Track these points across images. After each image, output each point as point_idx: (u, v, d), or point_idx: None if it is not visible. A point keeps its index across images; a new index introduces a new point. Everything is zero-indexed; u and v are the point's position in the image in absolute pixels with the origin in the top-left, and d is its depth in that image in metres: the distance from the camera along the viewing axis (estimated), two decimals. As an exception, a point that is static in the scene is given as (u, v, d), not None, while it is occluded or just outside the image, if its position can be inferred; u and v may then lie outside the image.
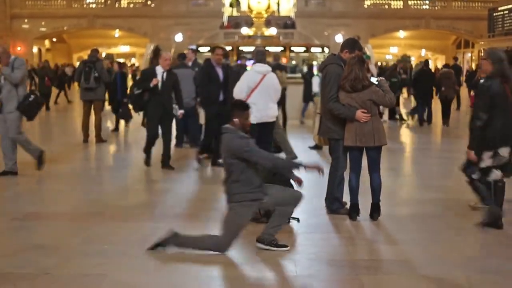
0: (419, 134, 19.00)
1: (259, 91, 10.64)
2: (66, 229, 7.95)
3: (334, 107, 8.17)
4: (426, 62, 23.95)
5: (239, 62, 18.47)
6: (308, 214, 8.47)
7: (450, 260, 6.73)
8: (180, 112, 12.11)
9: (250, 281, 6.18)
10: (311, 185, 10.28)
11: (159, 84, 11.68)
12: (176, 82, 12.05)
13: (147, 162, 12.20)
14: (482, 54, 9.47)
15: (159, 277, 6.17)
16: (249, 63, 19.69)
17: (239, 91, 10.58)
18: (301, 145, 14.73)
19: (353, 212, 8.30)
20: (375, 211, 8.31)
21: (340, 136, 8.26)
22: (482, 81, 8.03)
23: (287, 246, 6.98)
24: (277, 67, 18.10)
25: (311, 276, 6.24)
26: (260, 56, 11.10)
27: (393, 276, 6.28)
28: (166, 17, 56.28)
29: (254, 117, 10.22)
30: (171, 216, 8.60)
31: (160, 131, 11.97)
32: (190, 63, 15.44)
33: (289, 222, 8.06)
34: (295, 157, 12.09)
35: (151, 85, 11.59)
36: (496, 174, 8.01)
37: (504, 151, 7.91)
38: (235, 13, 57.55)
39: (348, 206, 8.46)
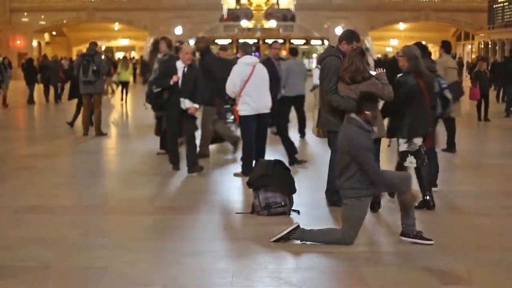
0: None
1: (252, 83, 10.56)
2: (67, 222, 7.96)
3: (333, 99, 8.16)
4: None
5: (238, 55, 18.43)
6: (309, 207, 8.48)
7: (450, 252, 6.73)
8: (194, 106, 10.84)
9: (250, 274, 6.18)
10: (311, 178, 10.30)
11: (179, 81, 10.71)
12: (198, 78, 10.93)
13: (176, 166, 11.17)
14: (399, 52, 9.76)
15: (160, 270, 6.17)
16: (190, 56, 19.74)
17: (232, 85, 10.54)
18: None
19: (353, 204, 8.28)
20: (375, 203, 8.31)
21: (339, 128, 8.24)
22: (398, 76, 8.47)
23: (431, 240, 6.95)
24: (282, 60, 18.32)
25: (312, 268, 6.24)
26: (247, 49, 11.05)
27: (393, 268, 6.28)
28: (166, 10, 56.32)
29: (252, 109, 10.41)
30: (171, 209, 8.61)
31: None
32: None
33: (289, 214, 8.08)
34: (239, 139, 12.22)
35: (171, 82, 10.66)
36: (410, 160, 8.48)
37: (417, 141, 8.44)
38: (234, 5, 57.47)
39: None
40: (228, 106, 11.58)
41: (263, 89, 10.69)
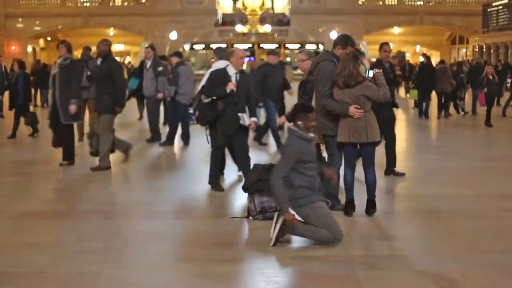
0: (415, 129, 19.03)
1: None
2: (61, 227, 7.94)
3: (327, 103, 8.17)
4: (428, 57, 25.73)
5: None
6: (304, 211, 8.46)
7: (445, 255, 6.73)
8: (252, 120, 9.84)
9: (247, 278, 6.17)
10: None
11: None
12: (250, 86, 10.10)
13: (219, 187, 9.97)
14: (300, 54, 10.20)
15: (154, 275, 6.16)
16: (244, 61, 19.71)
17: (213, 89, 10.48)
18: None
19: (349, 208, 8.30)
20: (370, 207, 8.32)
21: (335, 132, 8.25)
22: (306, 77, 9.04)
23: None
24: (283, 63, 18.72)
25: (307, 272, 6.24)
26: (221, 53, 11.00)
27: (388, 272, 6.28)
28: (161, 15, 56.35)
29: None
30: (167, 214, 8.60)
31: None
32: (149, 62, 15.80)
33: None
34: (130, 146, 12.20)
35: (228, 90, 9.52)
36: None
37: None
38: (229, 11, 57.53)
39: (343, 202, 8.46)
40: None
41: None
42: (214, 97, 9.59)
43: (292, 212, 6.91)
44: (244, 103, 9.78)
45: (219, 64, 10.56)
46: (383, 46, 11.23)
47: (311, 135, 7.15)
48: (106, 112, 11.46)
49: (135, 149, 14.23)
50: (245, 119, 9.70)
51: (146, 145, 15.02)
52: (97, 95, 11.84)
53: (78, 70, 12.14)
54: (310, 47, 39.02)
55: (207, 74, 10.54)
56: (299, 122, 7.02)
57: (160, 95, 15.59)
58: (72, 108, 11.51)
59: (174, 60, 15.51)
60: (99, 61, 11.81)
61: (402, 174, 10.95)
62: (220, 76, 9.69)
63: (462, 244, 7.21)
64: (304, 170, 7.00)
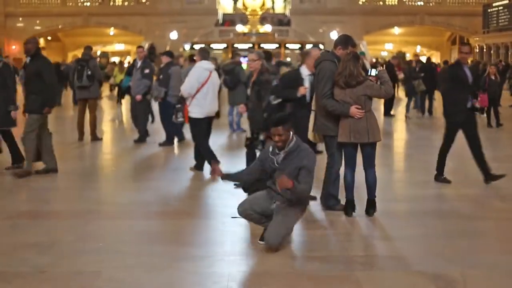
0: (415, 129, 19.02)
1: (207, 87, 10.96)
2: (61, 227, 7.93)
3: (327, 103, 8.17)
4: (428, 58, 27.18)
5: (233, 59, 18.44)
6: (303, 211, 8.46)
7: (445, 256, 6.73)
8: None
9: (246, 278, 6.17)
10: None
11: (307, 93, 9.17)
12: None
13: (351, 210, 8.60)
14: (251, 54, 10.52)
15: (154, 275, 6.16)
16: (243, 60, 19.79)
17: (189, 88, 10.86)
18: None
19: (349, 208, 8.30)
20: (370, 207, 8.32)
21: (335, 132, 8.25)
22: (257, 77, 9.51)
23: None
24: (282, 64, 18.77)
25: (307, 272, 6.23)
26: (205, 54, 11.35)
27: (388, 272, 6.28)
28: (161, 15, 56.36)
29: (204, 112, 10.91)
30: (166, 214, 8.60)
31: None
32: (139, 62, 15.65)
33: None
34: (51, 168, 11.38)
35: (298, 94, 9.08)
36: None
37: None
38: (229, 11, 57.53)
39: (343, 202, 8.45)
40: (179, 105, 11.52)
41: (214, 94, 11.15)
42: (284, 99, 9.24)
43: None
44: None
45: (203, 64, 11.02)
46: (461, 47, 10.60)
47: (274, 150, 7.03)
48: (33, 112, 10.99)
49: (132, 149, 14.23)
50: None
51: (139, 145, 14.94)
52: (26, 95, 11.35)
53: (10, 73, 11.67)
54: (311, 47, 38.98)
55: (191, 72, 11.03)
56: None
57: (138, 97, 15.31)
58: (13, 114, 11.19)
59: (165, 59, 15.35)
60: (28, 59, 11.28)
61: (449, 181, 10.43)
62: (293, 78, 9.35)
63: (462, 245, 7.20)
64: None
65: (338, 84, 8.07)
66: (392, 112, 22.44)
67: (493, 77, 19.69)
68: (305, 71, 9.22)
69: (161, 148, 14.53)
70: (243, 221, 7.65)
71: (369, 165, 8.27)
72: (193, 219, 8.30)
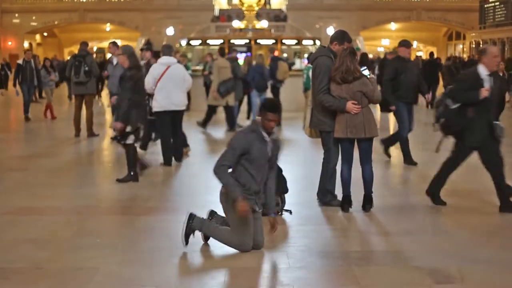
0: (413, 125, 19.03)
1: (162, 81, 11.44)
2: (58, 223, 7.94)
3: (324, 99, 8.18)
4: (431, 54, 27.12)
5: (230, 55, 18.45)
6: (301, 206, 8.49)
7: (442, 251, 6.75)
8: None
9: (243, 274, 6.18)
10: (303, 177, 10.32)
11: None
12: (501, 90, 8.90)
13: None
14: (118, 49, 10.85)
15: (152, 270, 6.17)
16: (240, 56, 19.88)
17: (147, 83, 11.25)
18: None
19: (346, 204, 8.32)
20: (367, 203, 8.34)
21: (331, 128, 8.26)
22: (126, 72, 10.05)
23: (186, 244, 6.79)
24: (279, 60, 19.36)
25: (304, 268, 6.25)
26: (165, 50, 12.00)
27: (385, 267, 6.30)
28: (157, 11, 56.24)
29: (160, 106, 11.43)
30: (164, 209, 8.61)
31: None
32: (115, 59, 14.96)
33: (281, 214, 8.08)
34: None
35: (480, 97, 8.14)
36: (131, 139, 10.08)
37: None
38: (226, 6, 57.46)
39: (340, 198, 8.47)
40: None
41: (173, 88, 11.48)
42: (464, 103, 8.32)
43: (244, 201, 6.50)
44: (496, 109, 8.66)
45: (161, 60, 11.70)
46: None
47: (267, 137, 6.67)
48: None
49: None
50: (500, 129, 8.35)
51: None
52: None
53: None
54: (307, 42, 38.84)
55: (150, 69, 11.75)
56: (259, 118, 6.69)
57: (113, 100, 14.06)
58: None
59: (148, 55, 15.03)
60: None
61: None
62: (470, 79, 8.38)
63: (459, 240, 7.22)
64: (249, 167, 6.62)
65: (334, 79, 8.08)
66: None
67: (501, 74, 19.67)
68: (483, 71, 8.27)
69: (158, 144, 14.49)
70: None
71: (365, 161, 8.28)
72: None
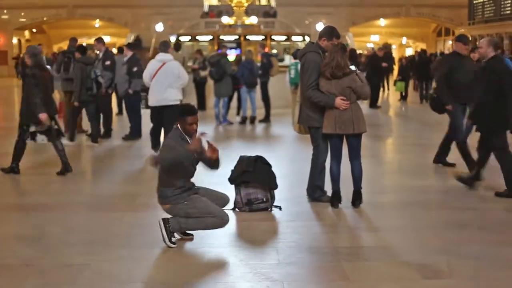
0: (401, 121, 19.09)
1: (157, 77, 11.94)
2: (48, 219, 7.92)
3: (313, 94, 8.18)
4: (424, 50, 29.11)
5: (219, 51, 18.44)
6: (290, 202, 8.50)
7: (431, 246, 6.78)
8: None
9: (233, 269, 6.19)
10: (293, 173, 10.32)
11: None
12: None
13: None
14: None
15: (141, 267, 6.17)
16: (230, 52, 19.87)
17: (144, 78, 12.23)
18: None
19: (335, 199, 8.32)
20: (356, 199, 8.35)
21: (320, 124, 8.26)
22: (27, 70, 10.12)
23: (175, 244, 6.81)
24: (271, 56, 19.68)
25: (293, 264, 6.26)
26: (161, 47, 12.48)
27: (374, 263, 6.32)
28: (147, 7, 56.12)
29: (152, 101, 12.07)
30: (153, 206, 8.58)
31: None
32: (100, 54, 15.03)
33: (271, 210, 8.09)
34: None
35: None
36: (41, 138, 10.34)
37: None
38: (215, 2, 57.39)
39: (330, 194, 8.48)
40: (144, 94, 12.37)
41: (167, 84, 11.91)
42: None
43: None
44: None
45: (157, 57, 12.17)
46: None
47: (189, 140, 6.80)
48: None
49: (118, 141, 14.18)
50: None
51: (128, 139, 14.87)
52: None
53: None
54: (297, 38, 38.83)
55: (148, 64, 12.27)
56: (178, 125, 6.81)
57: (103, 91, 14.52)
58: None
59: (128, 52, 15.04)
60: None
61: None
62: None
63: (448, 235, 7.25)
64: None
65: (324, 75, 8.08)
66: (378, 104, 22.53)
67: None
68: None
69: (149, 140, 14.47)
70: (229, 213, 7.68)
71: (354, 157, 8.29)
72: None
